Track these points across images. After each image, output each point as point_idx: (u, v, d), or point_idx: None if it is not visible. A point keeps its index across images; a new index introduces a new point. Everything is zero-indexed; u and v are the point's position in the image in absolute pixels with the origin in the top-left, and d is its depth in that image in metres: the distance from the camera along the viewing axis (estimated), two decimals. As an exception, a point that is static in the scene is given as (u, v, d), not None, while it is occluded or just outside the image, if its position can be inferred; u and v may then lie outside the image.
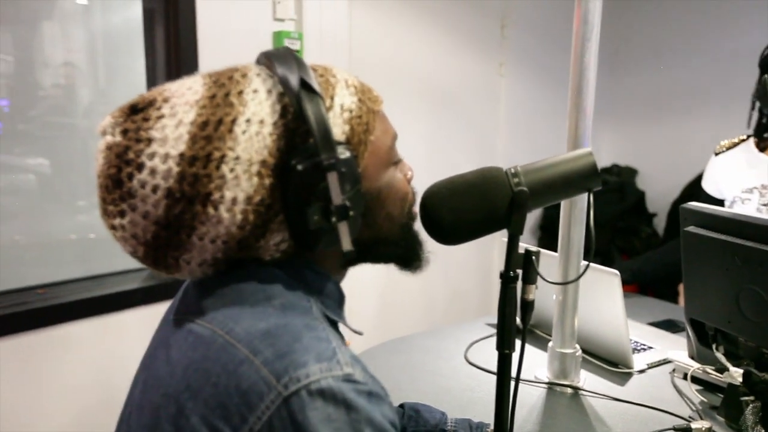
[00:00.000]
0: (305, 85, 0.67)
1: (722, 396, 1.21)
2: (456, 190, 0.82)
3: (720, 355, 1.22)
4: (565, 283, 0.90)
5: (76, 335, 1.93)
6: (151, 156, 0.64)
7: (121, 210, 0.65)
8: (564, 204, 1.33)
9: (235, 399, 0.60)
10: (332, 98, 0.71)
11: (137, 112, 0.66)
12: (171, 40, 2.14)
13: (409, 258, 0.83)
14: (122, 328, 1.96)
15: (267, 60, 0.71)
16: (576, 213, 1.30)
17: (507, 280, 0.84)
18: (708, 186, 1.97)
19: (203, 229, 0.66)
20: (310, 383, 0.59)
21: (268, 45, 2.31)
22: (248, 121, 0.66)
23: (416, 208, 0.84)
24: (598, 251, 3.18)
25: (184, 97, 0.67)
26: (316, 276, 0.74)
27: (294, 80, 0.67)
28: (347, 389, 0.60)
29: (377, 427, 0.60)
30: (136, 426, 0.70)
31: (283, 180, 0.67)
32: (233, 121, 0.65)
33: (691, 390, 1.30)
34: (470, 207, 0.82)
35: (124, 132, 0.65)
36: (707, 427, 1.12)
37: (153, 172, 0.64)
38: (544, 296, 1.47)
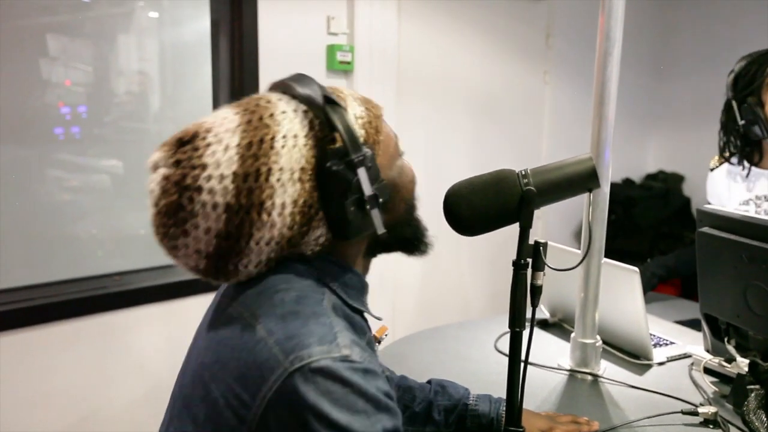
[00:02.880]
0: (329, 99, 0.80)
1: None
2: (474, 188, 0.96)
3: (730, 347, 1.31)
4: (566, 270, 1.01)
5: (146, 317, 2.15)
6: (208, 178, 0.74)
7: (184, 230, 0.76)
8: (586, 205, 1.44)
9: (252, 371, 0.72)
10: (346, 108, 0.84)
11: (184, 144, 0.77)
12: (235, 50, 2.32)
13: (418, 240, 0.96)
14: (185, 313, 2.17)
15: (285, 85, 0.84)
16: (597, 213, 1.41)
17: (518, 267, 0.97)
18: (712, 200, 2.01)
19: (259, 234, 0.77)
20: (312, 362, 0.70)
21: (322, 57, 2.49)
22: (284, 137, 0.78)
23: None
24: (639, 255, 3.22)
25: (223, 126, 0.78)
26: (337, 268, 0.86)
27: (318, 96, 0.80)
28: (343, 368, 0.70)
29: (370, 398, 0.71)
30: (180, 387, 0.85)
31: (320, 181, 0.79)
32: (272, 139, 0.77)
33: (705, 381, 1.39)
34: (486, 203, 0.95)
35: (177, 162, 0.75)
36: (713, 411, 1.21)
37: (212, 191, 0.74)
38: (572, 293, 1.58)
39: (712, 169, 2.03)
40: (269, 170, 0.76)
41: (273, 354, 0.71)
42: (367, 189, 0.80)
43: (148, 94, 2.36)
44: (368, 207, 0.81)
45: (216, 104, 2.37)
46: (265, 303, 0.78)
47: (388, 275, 2.63)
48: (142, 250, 2.31)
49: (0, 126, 1.97)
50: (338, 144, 0.79)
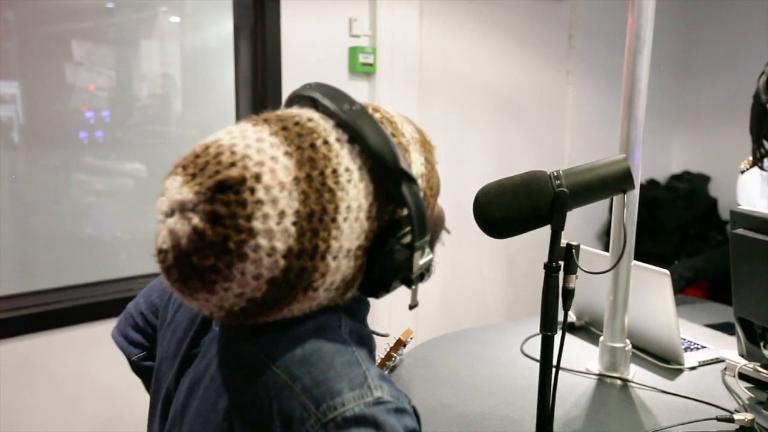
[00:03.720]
0: (404, 173, 0.68)
1: (768, 392, 1.26)
2: (505, 189, 0.95)
3: (767, 352, 1.27)
4: (599, 273, 0.99)
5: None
6: (256, 249, 0.61)
7: (211, 289, 0.64)
8: (616, 207, 1.42)
9: (276, 422, 0.65)
10: (410, 165, 0.73)
11: (225, 190, 0.61)
12: (257, 54, 2.33)
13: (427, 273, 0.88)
14: (209, 317, 2.17)
15: (341, 119, 0.69)
16: (627, 215, 1.39)
17: (550, 270, 0.96)
18: (743, 202, 1.96)
19: (297, 306, 0.69)
20: (345, 411, 0.64)
21: (344, 59, 2.48)
22: (348, 208, 0.66)
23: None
24: (664, 257, 3.17)
25: (276, 176, 0.63)
26: (358, 304, 0.78)
27: (392, 162, 0.67)
28: (377, 412, 0.65)
29: None
30: (180, 425, 0.76)
31: (372, 256, 0.70)
32: (336, 210, 0.65)
33: (740, 386, 1.36)
34: (517, 205, 0.94)
35: (216, 216, 0.61)
36: (750, 418, 1.18)
37: (257, 262, 0.62)
38: (600, 296, 1.55)
39: (742, 171, 1.99)
40: (327, 248, 0.66)
41: (301, 403, 0.65)
42: (417, 268, 0.72)
43: (171, 98, 2.38)
44: (413, 285, 0.73)
45: (238, 108, 2.37)
46: (281, 341, 0.70)
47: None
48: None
49: (26, 130, 1.99)
50: (405, 229, 0.70)
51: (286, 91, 2.35)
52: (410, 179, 0.68)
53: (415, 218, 0.69)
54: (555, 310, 0.96)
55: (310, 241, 0.64)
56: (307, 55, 2.38)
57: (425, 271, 0.74)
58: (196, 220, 0.61)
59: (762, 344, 1.30)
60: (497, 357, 1.57)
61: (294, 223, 0.63)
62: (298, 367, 0.67)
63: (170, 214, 0.63)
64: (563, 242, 0.95)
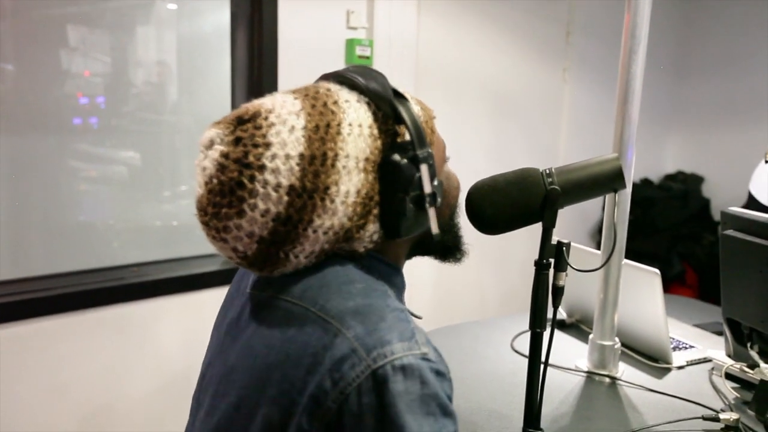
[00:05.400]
0: (396, 92, 0.79)
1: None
2: (497, 186, 0.95)
3: (753, 353, 1.28)
4: (589, 271, 1.00)
5: (162, 309, 2.16)
6: (272, 158, 0.71)
7: (239, 210, 0.71)
8: (608, 205, 1.42)
9: (328, 366, 0.69)
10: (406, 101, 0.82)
11: (244, 122, 0.73)
12: (254, 43, 2.32)
13: (456, 247, 0.94)
14: (202, 305, 2.17)
15: (342, 76, 0.81)
16: (618, 214, 1.39)
17: (540, 268, 0.96)
18: (760, 193, 1.97)
19: (319, 221, 0.74)
20: (395, 359, 0.68)
21: (341, 51, 2.48)
22: (350, 124, 0.76)
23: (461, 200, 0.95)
24: (657, 257, 3.19)
25: (285, 108, 0.75)
26: (387, 268, 0.84)
27: (387, 89, 0.78)
28: (424, 366, 0.69)
29: (440, 402, 0.69)
30: (234, 388, 0.78)
31: (383, 174, 0.77)
32: (339, 125, 0.75)
33: (726, 386, 1.37)
34: (509, 202, 0.94)
35: (237, 140, 0.72)
36: (735, 418, 1.19)
37: (275, 171, 0.71)
38: (591, 294, 1.56)
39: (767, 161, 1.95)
40: (336, 155, 0.74)
41: (353, 349, 0.69)
42: (428, 186, 0.77)
43: (166, 85, 2.37)
44: (427, 204, 0.78)
45: (234, 96, 2.37)
46: (333, 297, 0.75)
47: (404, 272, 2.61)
48: (158, 241, 2.33)
49: (20, 116, 1.98)
50: (404, 138, 0.79)
51: (282, 81, 2.34)
52: (403, 98, 0.79)
53: (412, 128, 0.77)
54: (544, 307, 0.96)
55: (318, 148, 0.73)
56: (303, 46, 2.37)
57: (437, 196, 0.79)
58: (221, 147, 0.73)
59: (749, 345, 1.31)
60: (487, 352, 1.58)
61: (303, 135, 0.73)
62: (351, 317, 0.72)
63: (204, 151, 0.74)
64: (554, 240, 0.96)
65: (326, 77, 0.84)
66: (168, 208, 2.37)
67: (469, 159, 2.95)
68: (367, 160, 0.76)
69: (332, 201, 0.74)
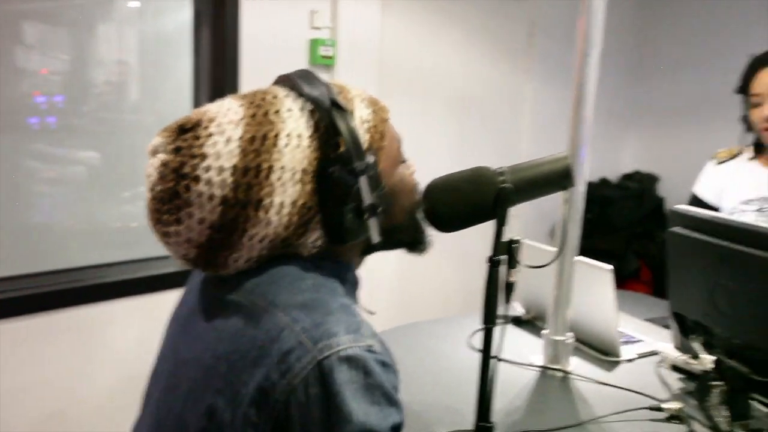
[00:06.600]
0: (334, 103, 0.79)
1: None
2: (451, 184, 0.98)
3: (696, 345, 1.34)
4: (539, 267, 1.04)
5: (122, 311, 2.14)
6: (207, 169, 0.74)
7: (177, 218, 0.75)
8: (563, 204, 1.46)
9: (275, 358, 0.71)
10: (353, 112, 0.83)
11: (186, 131, 0.76)
12: (217, 42, 2.31)
13: (417, 241, 0.97)
14: (161, 307, 2.14)
15: (292, 82, 0.82)
16: (570, 211, 1.44)
17: (493, 264, 0.99)
18: (705, 192, 1.99)
19: (254, 231, 0.77)
20: (340, 350, 0.71)
21: (304, 51, 2.48)
22: (288, 135, 0.77)
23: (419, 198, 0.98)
24: (614, 254, 3.27)
25: (227, 117, 0.77)
26: (337, 265, 0.85)
27: (325, 99, 0.79)
28: (369, 357, 0.71)
29: (384, 391, 0.72)
30: (184, 380, 0.80)
31: (321, 185, 0.78)
32: (276, 136, 0.76)
33: (672, 377, 1.43)
34: (462, 200, 0.97)
35: (177, 150, 0.74)
36: (678, 407, 1.25)
37: (209, 182, 0.74)
38: (546, 291, 1.60)
39: (719, 162, 1.98)
40: (270, 167, 0.76)
41: (300, 341, 0.71)
42: (367, 198, 0.80)
43: (127, 84, 2.34)
44: (366, 216, 0.80)
45: (196, 96, 2.36)
46: (282, 292, 0.77)
47: (364, 270, 2.63)
48: (118, 243, 2.30)
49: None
50: (342, 149, 0.79)
51: (244, 82, 2.34)
52: (341, 109, 0.79)
53: (349, 141, 0.78)
54: (496, 303, 0.99)
55: (253, 160, 0.75)
56: (267, 46, 2.37)
57: (379, 206, 0.81)
58: (163, 155, 0.75)
59: (693, 337, 1.36)
60: (444, 350, 1.61)
61: (238, 146, 0.75)
62: (299, 311, 0.74)
63: (150, 158, 0.77)
64: (507, 237, 0.99)
65: (282, 80, 0.85)
66: (128, 208, 2.34)
67: (433, 158, 2.97)
68: (304, 171, 0.78)
69: (266, 212, 0.76)
